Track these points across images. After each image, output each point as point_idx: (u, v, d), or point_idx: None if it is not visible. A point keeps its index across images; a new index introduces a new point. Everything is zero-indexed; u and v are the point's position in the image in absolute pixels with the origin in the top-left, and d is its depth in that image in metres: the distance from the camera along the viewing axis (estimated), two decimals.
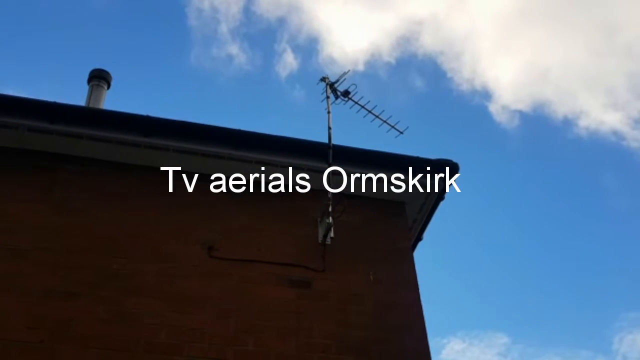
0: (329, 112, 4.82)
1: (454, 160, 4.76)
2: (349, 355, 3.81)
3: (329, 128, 4.65)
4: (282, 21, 17.31)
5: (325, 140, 4.62)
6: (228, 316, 3.82)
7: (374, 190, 4.73)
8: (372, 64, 17.51)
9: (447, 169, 4.70)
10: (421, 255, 5.36)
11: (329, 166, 4.45)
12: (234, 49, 17.57)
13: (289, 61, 17.64)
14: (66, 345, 3.48)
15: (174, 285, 3.89)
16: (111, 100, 6.29)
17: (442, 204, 4.91)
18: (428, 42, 17.93)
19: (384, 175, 4.70)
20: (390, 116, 5.03)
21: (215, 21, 17.42)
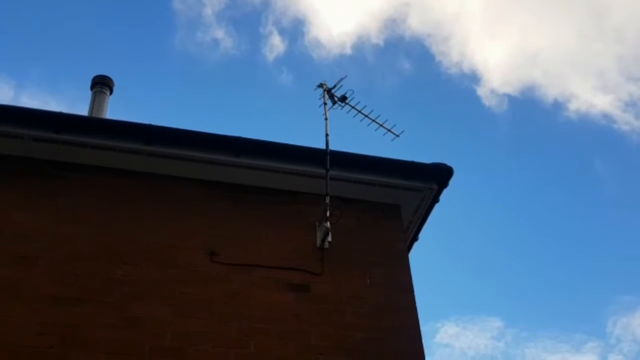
0: (326, 119, 4.88)
1: (448, 163, 4.83)
2: (347, 356, 3.91)
3: (327, 135, 4.71)
4: (267, 3, 17.07)
5: (323, 146, 4.69)
6: (230, 320, 3.92)
7: (371, 194, 4.82)
8: (360, 47, 17.37)
9: (442, 172, 4.79)
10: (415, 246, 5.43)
11: (327, 172, 4.53)
12: (219, 33, 17.40)
13: (275, 44, 17.48)
14: (75, 350, 3.59)
15: (178, 290, 3.99)
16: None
17: (436, 206, 5.02)
18: (416, 24, 17.74)
19: (380, 180, 4.79)
20: (386, 120, 5.11)
21: (200, 4, 17.26)
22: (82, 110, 6.27)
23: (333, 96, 5.14)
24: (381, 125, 5.12)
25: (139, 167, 4.57)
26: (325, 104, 5.04)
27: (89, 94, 6.28)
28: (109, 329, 3.73)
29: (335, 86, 5.18)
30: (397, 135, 5.07)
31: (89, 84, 6.33)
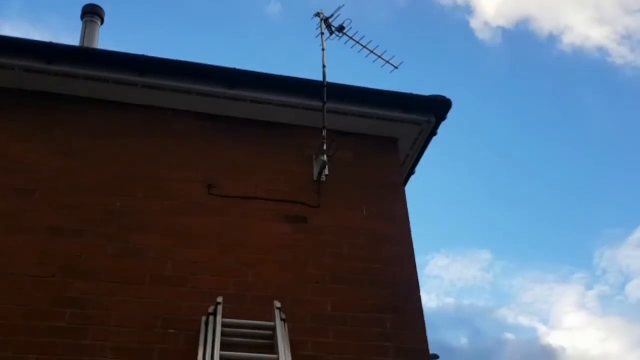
0: (323, 49, 4.77)
1: (447, 95, 4.79)
2: (342, 284, 4.03)
3: (324, 66, 4.62)
4: None
5: (318, 78, 4.61)
6: (228, 250, 4.00)
7: (368, 127, 4.80)
8: None
9: (440, 105, 4.76)
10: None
11: (324, 104, 4.48)
12: None
13: None
14: (76, 279, 3.68)
15: (176, 222, 4.05)
16: None
17: (433, 139, 5.00)
18: None
19: (377, 112, 4.76)
20: (385, 51, 4.99)
21: None
22: (68, 41, 6.15)
23: (330, 26, 5.00)
24: (379, 56, 5.01)
25: (133, 99, 4.52)
26: (322, 34, 4.90)
27: (73, 24, 6.21)
28: (110, 258, 3.81)
29: (332, 15, 5.02)
30: (396, 67, 4.97)
31: (73, 13, 6.20)
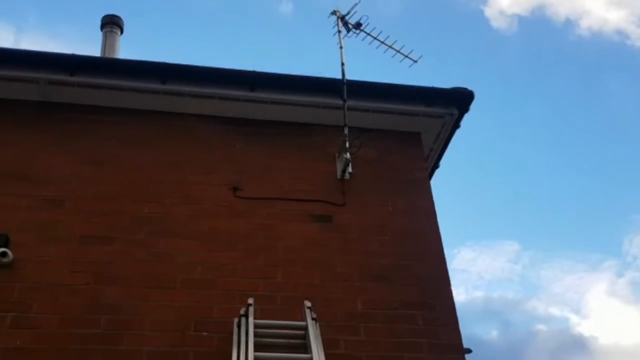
0: (341, 47, 4.79)
1: (469, 87, 4.79)
2: (371, 282, 4.02)
3: (342, 64, 4.64)
4: None
5: (338, 76, 4.64)
6: (256, 252, 4.04)
7: (390, 122, 4.81)
8: None
9: (463, 97, 4.76)
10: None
11: (344, 102, 4.50)
12: None
13: None
14: (109, 285, 3.75)
15: (203, 226, 4.10)
16: None
17: (457, 131, 4.99)
18: None
19: (399, 107, 4.78)
20: (403, 45, 4.99)
21: None
22: (87, 52, 6.26)
23: (347, 23, 5.02)
24: (398, 51, 5.01)
25: (155, 107, 4.61)
26: (339, 32, 4.93)
27: (90, 35, 6.30)
28: (140, 264, 3.87)
29: (349, 13, 5.05)
30: (415, 61, 4.97)
31: (89, 25, 6.34)
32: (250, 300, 3.63)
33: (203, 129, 4.62)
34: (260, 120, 4.72)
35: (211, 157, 4.47)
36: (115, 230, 3.99)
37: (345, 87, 4.54)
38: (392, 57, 4.99)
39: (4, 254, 3.71)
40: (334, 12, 5.10)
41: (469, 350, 4.16)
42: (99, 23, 6.32)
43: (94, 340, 3.54)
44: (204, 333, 3.64)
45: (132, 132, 4.51)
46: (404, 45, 4.96)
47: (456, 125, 4.88)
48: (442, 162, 5.27)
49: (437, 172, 5.37)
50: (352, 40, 5.00)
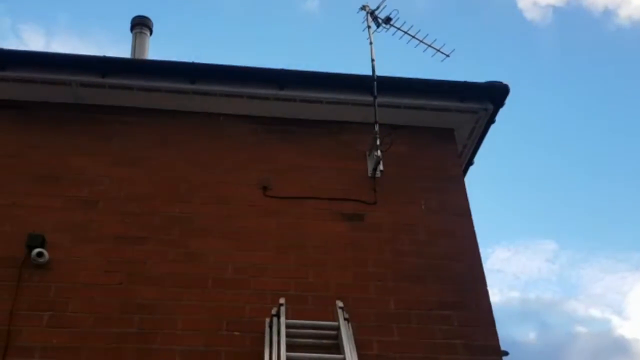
0: (371, 43, 4.75)
1: (503, 81, 4.70)
2: (405, 282, 3.99)
3: (372, 60, 4.61)
4: None
5: (368, 72, 4.61)
6: (287, 252, 4.05)
7: (422, 119, 4.76)
8: None
9: (498, 91, 4.67)
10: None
11: (374, 99, 4.47)
12: None
13: None
14: (142, 285, 3.80)
15: (234, 225, 4.13)
16: None
17: (492, 127, 4.90)
18: None
19: (431, 103, 4.72)
20: (435, 40, 4.91)
21: None
22: (116, 53, 6.33)
23: (377, 18, 4.97)
24: (429, 45, 4.93)
25: (185, 107, 4.65)
26: (369, 27, 4.88)
27: (120, 36, 6.42)
28: (172, 264, 3.91)
29: (378, 7, 5.00)
30: (447, 55, 4.89)
31: (118, 26, 6.41)
32: (282, 300, 3.64)
33: (232, 128, 4.65)
34: (289, 118, 4.73)
35: (241, 157, 4.50)
36: (148, 230, 4.04)
37: (375, 83, 4.50)
38: (424, 51, 4.92)
39: (40, 254, 3.79)
40: (363, 8, 5.05)
41: (505, 353, 4.07)
42: (128, 25, 6.43)
43: (128, 339, 3.59)
44: (236, 333, 3.66)
45: (162, 133, 4.57)
46: (435, 40, 4.89)
47: (491, 121, 4.81)
48: (477, 159, 5.22)
49: (471, 169, 5.31)
50: (382, 36, 4.96)
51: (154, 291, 3.77)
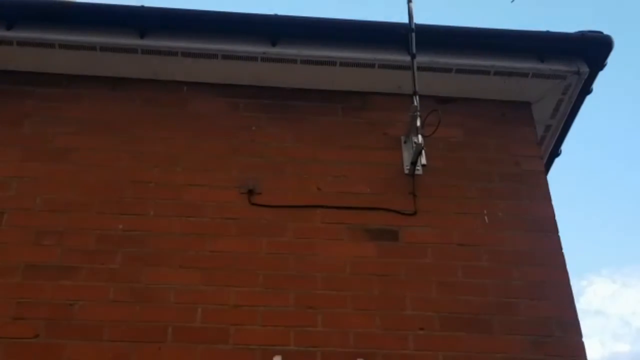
0: None
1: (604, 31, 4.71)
2: (460, 330, 4.01)
3: (409, 1, 4.59)
4: None
5: (404, 20, 4.59)
6: (284, 286, 4.03)
7: (483, 88, 4.78)
8: None
9: (596, 46, 4.67)
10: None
11: (413, 58, 4.45)
12: None
13: None
14: (66, 340, 3.75)
15: (206, 248, 4.12)
16: None
17: (587, 99, 4.92)
18: None
19: (496, 64, 4.75)
20: None
21: None
22: None
23: None
24: None
25: (131, 72, 4.70)
26: None
27: None
28: (114, 307, 3.87)
29: None
30: None
31: None
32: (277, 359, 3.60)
33: (202, 104, 4.66)
34: (286, 88, 4.75)
35: (215, 146, 4.50)
36: (77, 256, 4.02)
37: (413, 34, 4.49)
38: None
39: None
40: None
41: None
42: None
43: None
44: None
45: (98, 112, 4.56)
46: None
47: (586, 90, 4.83)
48: (565, 147, 5.28)
49: (556, 162, 5.40)
50: None
51: (85, 350, 3.71)
